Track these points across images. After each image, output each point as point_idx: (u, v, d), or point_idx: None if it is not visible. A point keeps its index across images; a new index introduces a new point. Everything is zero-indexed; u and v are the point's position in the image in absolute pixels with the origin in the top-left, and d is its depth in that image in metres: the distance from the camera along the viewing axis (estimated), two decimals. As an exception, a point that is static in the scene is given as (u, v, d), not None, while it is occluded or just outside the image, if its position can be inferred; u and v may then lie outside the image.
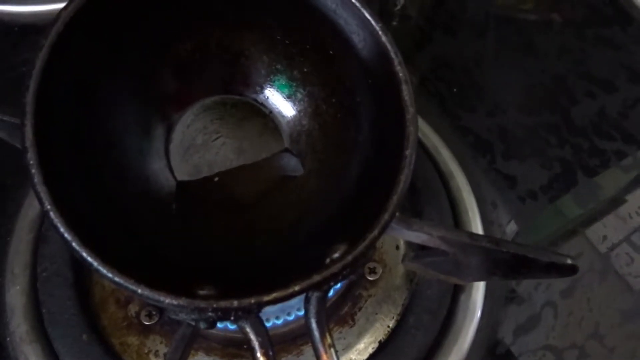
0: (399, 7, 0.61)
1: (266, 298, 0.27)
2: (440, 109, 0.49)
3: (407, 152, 0.30)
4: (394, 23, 0.60)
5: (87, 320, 0.36)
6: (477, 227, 0.42)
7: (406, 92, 0.31)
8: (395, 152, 0.31)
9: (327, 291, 0.30)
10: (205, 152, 0.38)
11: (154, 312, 0.38)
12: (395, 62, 0.32)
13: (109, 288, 0.39)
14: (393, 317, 0.39)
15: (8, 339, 0.36)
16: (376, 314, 0.39)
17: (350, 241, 0.30)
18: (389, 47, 0.32)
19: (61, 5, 0.55)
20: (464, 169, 0.44)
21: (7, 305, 0.37)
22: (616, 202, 0.47)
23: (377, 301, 0.40)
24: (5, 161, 0.43)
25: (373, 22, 0.32)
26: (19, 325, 0.36)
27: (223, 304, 0.27)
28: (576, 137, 0.48)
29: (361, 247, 0.29)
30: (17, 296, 0.37)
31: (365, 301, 0.40)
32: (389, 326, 0.39)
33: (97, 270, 0.26)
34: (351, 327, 0.39)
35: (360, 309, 0.39)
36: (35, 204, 0.41)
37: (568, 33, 0.58)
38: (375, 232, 0.29)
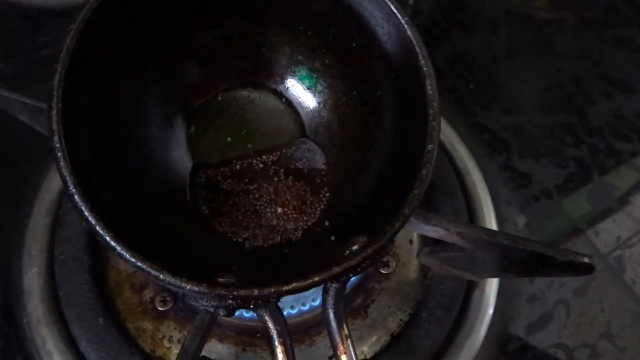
0: (412, 1, 0.61)
1: (286, 287, 0.27)
2: (456, 105, 0.49)
3: (430, 147, 0.30)
4: (407, 13, 0.60)
5: (103, 304, 0.37)
6: (492, 224, 0.42)
7: (430, 86, 0.31)
8: (416, 147, 0.31)
9: (346, 283, 0.30)
10: (224, 142, 0.38)
11: (168, 298, 0.38)
12: (420, 56, 0.31)
13: (125, 273, 0.39)
14: (406, 311, 0.39)
15: (25, 319, 0.36)
16: (389, 307, 0.39)
17: (370, 234, 0.30)
18: (414, 40, 0.32)
19: (80, -11, 0.55)
20: (479, 165, 0.44)
21: (25, 287, 0.37)
22: (628, 201, 0.47)
23: (390, 295, 0.40)
24: (23, 145, 0.44)
25: (399, 16, 0.32)
26: (36, 307, 0.36)
27: (243, 292, 0.27)
28: (592, 137, 0.48)
29: (382, 240, 0.29)
30: (34, 278, 0.37)
31: (379, 294, 0.40)
32: (401, 320, 0.39)
33: (120, 255, 0.26)
34: (364, 319, 0.39)
35: (373, 302, 0.40)
36: (53, 188, 0.41)
37: (587, 33, 0.57)
38: (396, 225, 0.29)
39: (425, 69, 0.31)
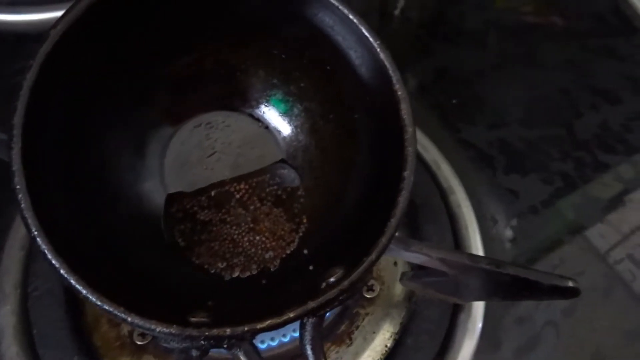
0: (398, 10, 0.61)
1: (259, 325, 0.27)
2: (440, 121, 0.49)
3: (406, 174, 0.30)
4: (394, 26, 0.59)
5: (79, 340, 0.36)
6: (477, 244, 0.41)
7: (405, 110, 0.30)
8: (394, 172, 0.31)
9: (323, 316, 0.29)
10: (200, 169, 0.37)
11: (147, 332, 0.37)
12: (394, 79, 0.31)
13: (102, 306, 0.38)
14: (391, 337, 0.38)
15: (-3, 360, 0.35)
16: (374, 332, 0.38)
17: (347, 265, 0.29)
18: (387, 64, 0.31)
19: (58, 13, 0.55)
20: (464, 183, 0.43)
21: (-3, 326, 0.36)
22: (614, 212, 0.46)
23: (376, 320, 0.39)
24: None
25: (371, 39, 0.31)
26: (9, 347, 0.35)
27: (215, 332, 0.26)
28: (579, 150, 0.47)
29: (358, 271, 0.28)
30: (7, 316, 0.36)
31: (363, 319, 0.39)
32: (387, 346, 0.38)
33: (86, 298, 0.26)
34: (348, 346, 0.38)
35: (357, 328, 0.39)
36: (27, 220, 0.40)
37: (572, 43, 0.57)
38: (373, 256, 0.28)
39: (399, 92, 0.31)
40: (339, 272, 0.29)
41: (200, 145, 0.37)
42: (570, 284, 0.31)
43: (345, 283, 0.28)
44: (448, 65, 0.54)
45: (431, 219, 0.41)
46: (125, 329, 0.37)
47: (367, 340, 0.38)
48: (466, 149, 0.47)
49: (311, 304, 0.27)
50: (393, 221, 0.29)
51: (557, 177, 0.46)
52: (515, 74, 0.53)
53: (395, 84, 0.31)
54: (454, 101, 0.49)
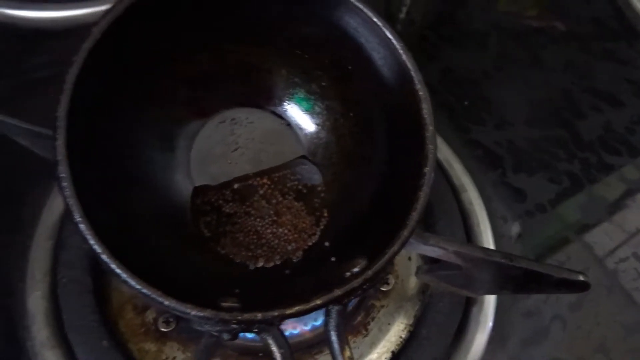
0: (403, 13, 0.62)
1: (289, 311, 0.28)
2: (449, 121, 0.50)
3: (426, 170, 0.31)
4: (399, 28, 0.61)
5: (106, 326, 0.37)
6: (489, 241, 0.43)
7: (426, 110, 0.32)
8: (413, 169, 0.32)
9: (347, 304, 0.30)
10: (224, 163, 0.39)
11: (171, 319, 0.39)
12: (416, 80, 0.32)
13: (127, 295, 0.39)
14: (405, 328, 0.40)
15: (29, 343, 0.36)
16: (389, 324, 0.40)
17: (370, 256, 0.30)
18: (409, 65, 0.32)
19: (75, 12, 0.56)
20: (475, 182, 0.45)
21: (28, 311, 0.37)
22: (619, 211, 0.47)
23: (390, 312, 0.40)
24: (24, 167, 0.44)
25: (394, 41, 0.33)
26: (40, 331, 0.37)
27: (247, 316, 0.28)
28: (584, 151, 0.49)
29: (381, 261, 0.29)
30: (37, 301, 0.38)
31: (378, 311, 0.40)
32: (401, 337, 0.39)
33: (125, 282, 0.27)
34: (364, 337, 0.40)
35: (373, 319, 0.40)
36: (55, 210, 0.42)
37: (573, 47, 0.58)
38: (395, 247, 0.30)
39: (421, 93, 0.32)
40: (362, 263, 0.30)
41: (224, 140, 0.39)
42: (581, 277, 0.33)
43: (370, 272, 0.29)
44: (455, 67, 0.55)
45: (444, 215, 0.43)
46: (150, 316, 0.39)
47: (383, 331, 0.40)
48: (476, 148, 0.48)
49: (337, 292, 0.28)
50: (414, 215, 0.30)
51: (564, 177, 0.47)
52: (519, 76, 0.55)
53: (417, 84, 0.32)
54: (465, 102, 0.50)
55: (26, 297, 0.38)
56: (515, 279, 0.34)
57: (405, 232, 0.30)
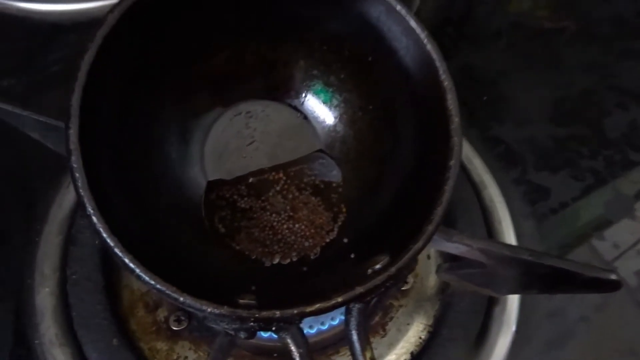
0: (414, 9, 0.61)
1: (309, 309, 0.27)
2: (469, 118, 0.49)
3: (452, 163, 0.30)
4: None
5: (117, 324, 0.36)
6: (511, 239, 0.41)
7: (451, 100, 0.31)
8: (437, 163, 0.31)
9: (369, 303, 0.29)
10: (239, 157, 0.37)
11: (182, 318, 0.38)
12: (441, 70, 0.31)
13: (138, 292, 0.38)
14: (425, 329, 0.38)
15: (37, 341, 0.35)
16: (408, 324, 0.39)
17: (393, 252, 0.29)
18: (434, 55, 0.31)
19: (90, 4, 0.55)
20: (496, 179, 0.44)
21: (37, 307, 0.36)
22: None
23: (409, 311, 0.39)
24: (34, 161, 0.43)
25: (418, 31, 0.31)
26: (49, 328, 0.36)
27: (265, 314, 0.26)
28: (608, 148, 0.48)
29: (405, 258, 0.28)
30: (46, 298, 0.37)
31: (397, 311, 0.39)
32: (421, 338, 0.38)
33: (139, 277, 0.26)
34: (382, 337, 0.38)
35: (391, 319, 0.39)
36: (65, 206, 0.41)
37: (594, 47, 0.57)
38: (420, 243, 0.29)
39: (446, 83, 0.31)
40: (385, 260, 0.29)
41: (239, 133, 0.38)
42: (613, 276, 0.32)
43: (393, 269, 0.28)
44: (473, 65, 0.54)
45: (465, 213, 0.41)
46: (161, 315, 0.38)
47: (401, 332, 0.38)
48: (496, 145, 0.47)
49: (359, 289, 0.27)
50: (439, 209, 0.29)
51: (587, 174, 0.46)
52: (539, 75, 0.54)
53: (442, 74, 0.31)
54: (484, 98, 0.49)
55: (35, 294, 0.37)
56: (543, 278, 0.33)
57: (431, 227, 0.29)
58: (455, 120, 0.31)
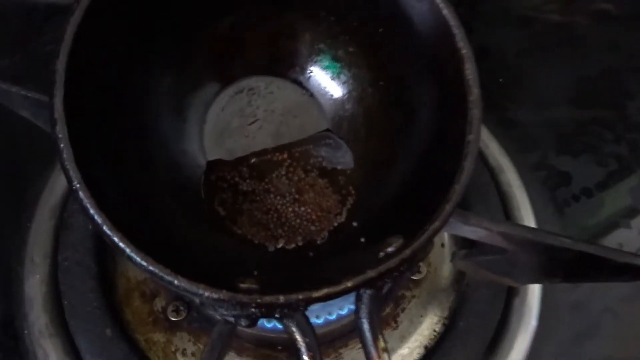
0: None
1: (316, 294, 0.24)
2: (485, 99, 0.46)
3: (470, 138, 0.28)
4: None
5: (111, 314, 0.34)
6: (530, 224, 0.39)
7: (470, 70, 0.28)
8: (454, 138, 0.28)
9: (381, 289, 0.27)
10: (241, 137, 0.35)
11: (181, 308, 0.35)
12: (458, 37, 0.29)
13: (134, 280, 0.36)
14: (440, 321, 0.36)
15: (26, 331, 0.33)
16: (421, 316, 0.36)
17: (407, 234, 0.27)
18: (450, 20, 0.29)
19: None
20: (514, 163, 0.41)
21: (26, 296, 0.34)
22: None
23: (422, 303, 0.37)
24: (26, 144, 0.41)
25: (434, -6, 0.29)
26: (39, 318, 0.33)
27: (268, 299, 0.24)
28: (633, 132, 0.45)
29: (422, 239, 0.26)
30: (36, 286, 0.34)
31: (409, 302, 0.37)
32: (435, 330, 0.36)
33: (129, 258, 0.24)
34: (394, 329, 0.36)
35: (403, 311, 0.36)
36: (57, 189, 0.39)
37: (617, 26, 0.54)
38: (437, 223, 0.26)
39: (464, 51, 0.29)
40: (398, 242, 0.26)
41: (241, 112, 0.35)
42: (646, 262, 0.29)
43: (407, 252, 0.25)
44: (489, 45, 0.51)
45: (481, 198, 0.39)
46: (158, 304, 0.35)
47: (414, 324, 0.36)
48: (513, 128, 0.44)
49: (370, 273, 0.25)
50: (458, 187, 0.27)
51: (611, 160, 0.43)
52: (558, 55, 0.51)
53: (458, 41, 0.29)
54: (500, 80, 0.47)
55: (24, 282, 0.35)
56: (568, 264, 0.30)
57: (448, 207, 0.26)
58: (475, 92, 0.28)
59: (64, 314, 0.33)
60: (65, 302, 0.34)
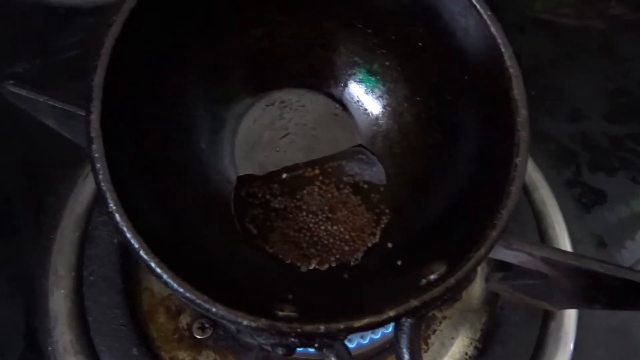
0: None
1: (357, 324, 0.23)
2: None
3: (518, 160, 0.26)
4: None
5: (137, 331, 0.33)
6: (566, 245, 0.38)
7: (518, 90, 0.27)
8: (500, 160, 0.27)
9: (422, 318, 0.26)
10: (272, 151, 0.34)
11: (207, 325, 0.34)
12: (506, 55, 0.27)
13: (159, 296, 0.35)
14: (471, 344, 0.35)
15: (50, 348, 0.33)
16: (452, 338, 0.35)
17: (450, 260, 0.26)
18: (498, 38, 0.28)
19: (110, -12, 0.52)
20: (547, 180, 0.40)
21: (51, 311, 0.33)
22: None
23: (453, 324, 0.36)
24: (50, 151, 0.40)
25: (480, 9, 0.28)
26: (63, 334, 0.33)
27: (309, 328, 0.23)
28: (670, 149, 0.44)
29: (466, 267, 0.25)
30: (61, 301, 0.34)
31: (440, 323, 0.36)
32: (467, 354, 0.35)
33: (166, 284, 0.23)
34: (425, 352, 0.35)
35: (434, 332, 0.35)
36: (82, 199, 0.38)
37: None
38: (482, 250, 0.25)
39: (512, 70, 0.27)
40: (441, 269, 0.25)
41: (272, 125, 0.34)
42: (698, 293, 0.28)
43: (452, 280, 0.24)
44: (520, 54, 0.50)
45: (516, 216, 0.37)
46: (183, 322, 0.35)
47: (445, 346, 0.35)
48: (547, 142, 0.43)
49: (414, 302, 0.24)
50: (504, 213, 0.26)
51: (647, 177, 0.42)
52: (593, 65, 0.50)
53: (507, 60, 0.27)
54: (532, 93, 0.45)
55: (49, 296, 0.34)
56: (612, 292, 0.29)
57: (494, 233, 0.25)
58: (523, 113, 0.27)
59: (89, 330, 0.33)
60: (90, 319, 0.33)
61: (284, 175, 0.33)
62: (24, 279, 0.35)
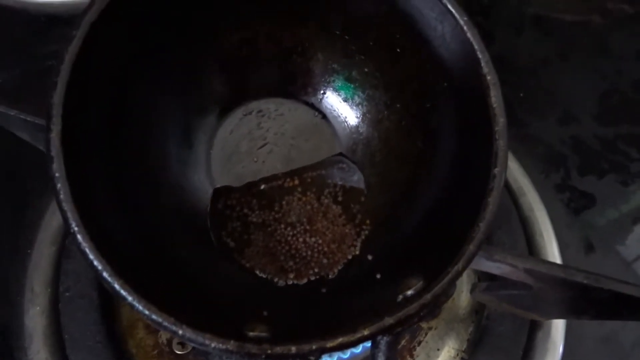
0: None
1: (330, 344, 0.23)
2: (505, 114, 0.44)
3: (496, 171, 0.26)
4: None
5: (114, 348, 0.32)
6: (554, 252, 0.37)
7: (495, 97, 0.26)
8: (478, 170, 0.27)
9: (399, 335, 0.25)
10: (250, 161, 0.34)
11: (187, 340, 0.34)
12: (483, 62, 0.27)
13: (138, 310, 0.35)
14: (458, 355, 0.34)
15: (25, 366, 0.32)
16: (438, 349, 0.34)
17: (427, 275, 0.25)
18: (475, 44, 0.27)
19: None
20: (535, 185, 0.39)
21: (26, 328, 0.33)
22: None
23: (439, 335, 0.35)
24: (27, 163, 0.39)
25: (457, 15, 0.27)
26: (39, 352, 0.32)
27: (279, 349, 0.22)
28: (661, 151, 0.43)
29: (442, 283, 0.24)
30: (36, 318, 0.33)
31: (426, 334, 0.35)
32: (453, 365, 0.34)
33: (131, 305, 0.22)
34: (410, 364, 0.34)
35: (419, 344, 0.35)
36: (59, 214, 0.37)
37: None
38: (459, 265, 0.24)
39: (489, 77, 0.27)
40: (418, 284, 0.25)
41: (250, 135, 0.34)
42: (686, 303, 0.27)
43: (428, 296, 0.24)
44: (510, 54, 0.49)
45: (503, 223, 0.37)
46: (163, 337, 0.34)
47: (431, 358, 0.34)
48: (535, 145, 0.42)
49: (388, 320, 0.23)
50: (482, 226, 0.25)
51: (638, 180, 0.41)
52: (585, 65, 0.48)
53: (484, 67, 0.27)
54: (520, 94, 0.44)
55: (24, 313, 0.33)
56: (599, 303, 0.28)
57: (472, 247, 0.25)
58: (501, 121, 0.26)
59: (64, 348, 0.32)
60: (67, 336, 0.32)
61: (263, 186, 0.33)
62: None
